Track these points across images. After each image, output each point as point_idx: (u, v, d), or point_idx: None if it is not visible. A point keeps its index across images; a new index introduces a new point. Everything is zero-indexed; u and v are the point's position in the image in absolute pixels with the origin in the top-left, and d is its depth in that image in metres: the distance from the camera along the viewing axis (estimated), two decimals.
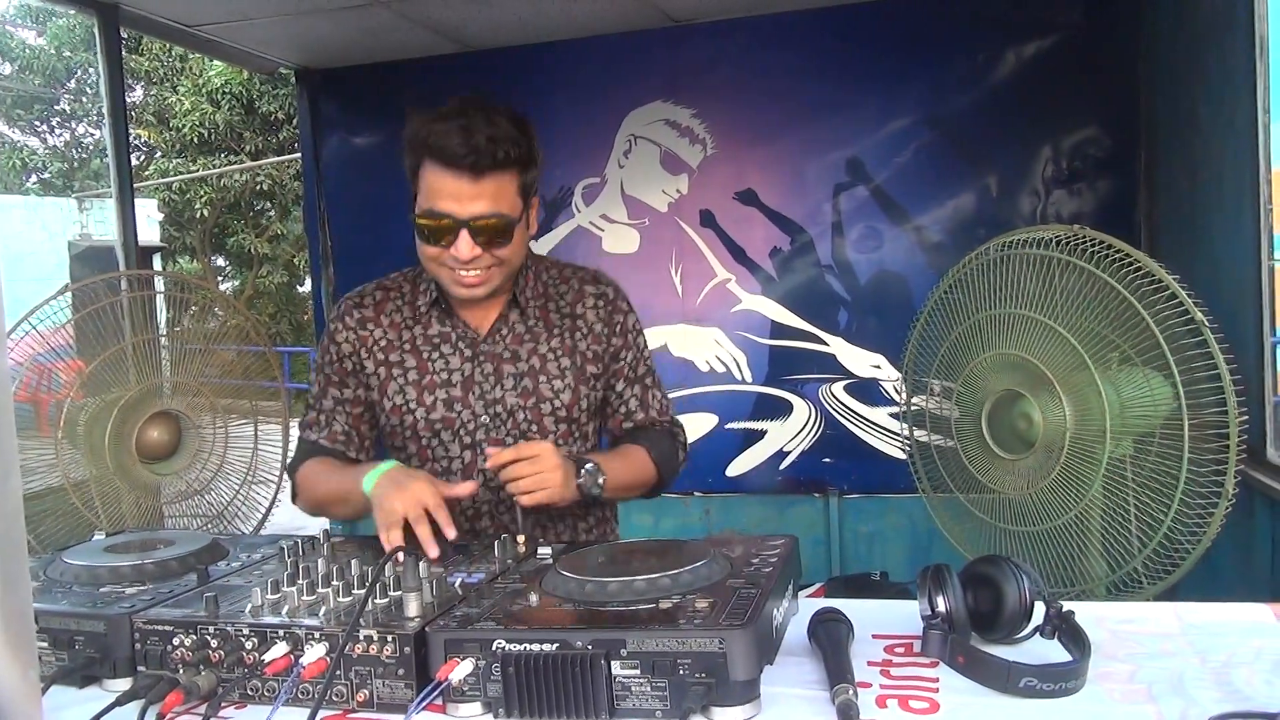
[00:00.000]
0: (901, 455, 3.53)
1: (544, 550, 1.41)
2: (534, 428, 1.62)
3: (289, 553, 1.41)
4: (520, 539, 1.46)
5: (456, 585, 1.27)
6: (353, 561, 1.31)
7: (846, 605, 1.31)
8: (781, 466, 3.69)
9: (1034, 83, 3.41)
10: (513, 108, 1.52)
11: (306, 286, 17.42)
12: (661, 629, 1.06)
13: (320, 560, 1.37)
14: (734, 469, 3.72)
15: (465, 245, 1.48)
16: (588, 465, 1.52)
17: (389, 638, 1.11)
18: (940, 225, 3.51)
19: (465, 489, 1.46)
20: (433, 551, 1.34)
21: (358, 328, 1.65)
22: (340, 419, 1.67)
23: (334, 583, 1.24)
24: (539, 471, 1.45)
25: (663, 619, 1.09)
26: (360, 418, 1.67)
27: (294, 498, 1.70)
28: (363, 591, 1.24)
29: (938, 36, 3.46)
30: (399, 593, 1.20)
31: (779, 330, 3.67)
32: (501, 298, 1.63)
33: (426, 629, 1.12)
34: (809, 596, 1.41)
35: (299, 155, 5.01)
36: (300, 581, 1.24)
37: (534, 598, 1.17)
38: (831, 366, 3.62)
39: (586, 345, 1.65)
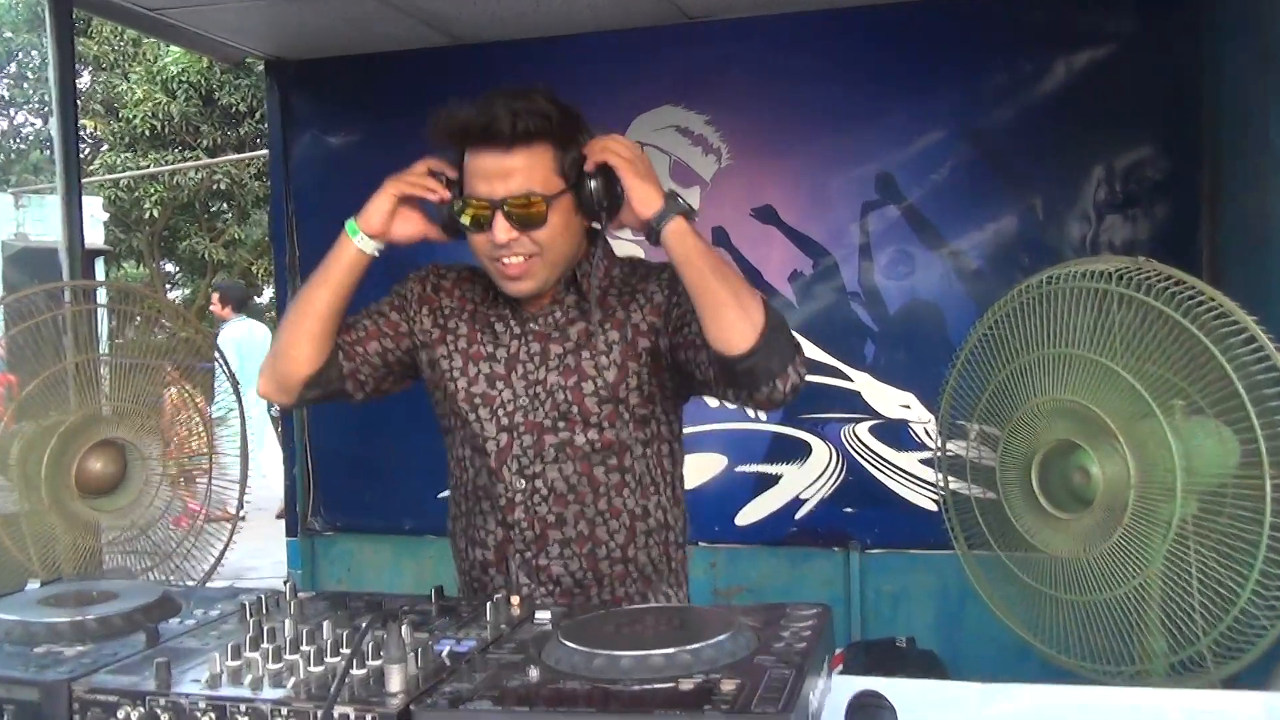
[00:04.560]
0: (932, 506, 3.51)
1: (542, 614, 1.38)
2: (574, 409, 1.65)
3: (251, 610, 1.37)
4: (515, 599, 1.42)
5: (444, 655, 1.23)
6: (325, 623, 1.27)
7: (886, 686, 1.28)
8: (797, 515, 3.66)
9: (1085, 96, 3.41)
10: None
11: (265, 297, 17.39)
12: (683, 714, 1.03)
13: (287, 621, 1.34)
14: (744, 517, 3.69)
15: (500, 228, 1.57)
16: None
17: (369, 716, 1.07)
18: (979, 250, 3.50)
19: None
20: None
21: (432, 291, 1.77)
22: (363, 324, 1.74)
23: (304, 648, 1.21)
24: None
25: (684, 702, 1.05)
26: (377, 335, 1.73)
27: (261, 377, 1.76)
28: (337, 660, 1.20)
29: (979, 42, 3.47)
30: (379, 663, 1.16)
31: None
32: (552, 289, 1.68)
33: (411, 707, 1.08)
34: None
35: (262, 153, 4.98)
36: (265, 646, 1.20)
37: (534, 672, 1.14)
38: (856, 405, 3.60)
39: (641, 317, 1.67)
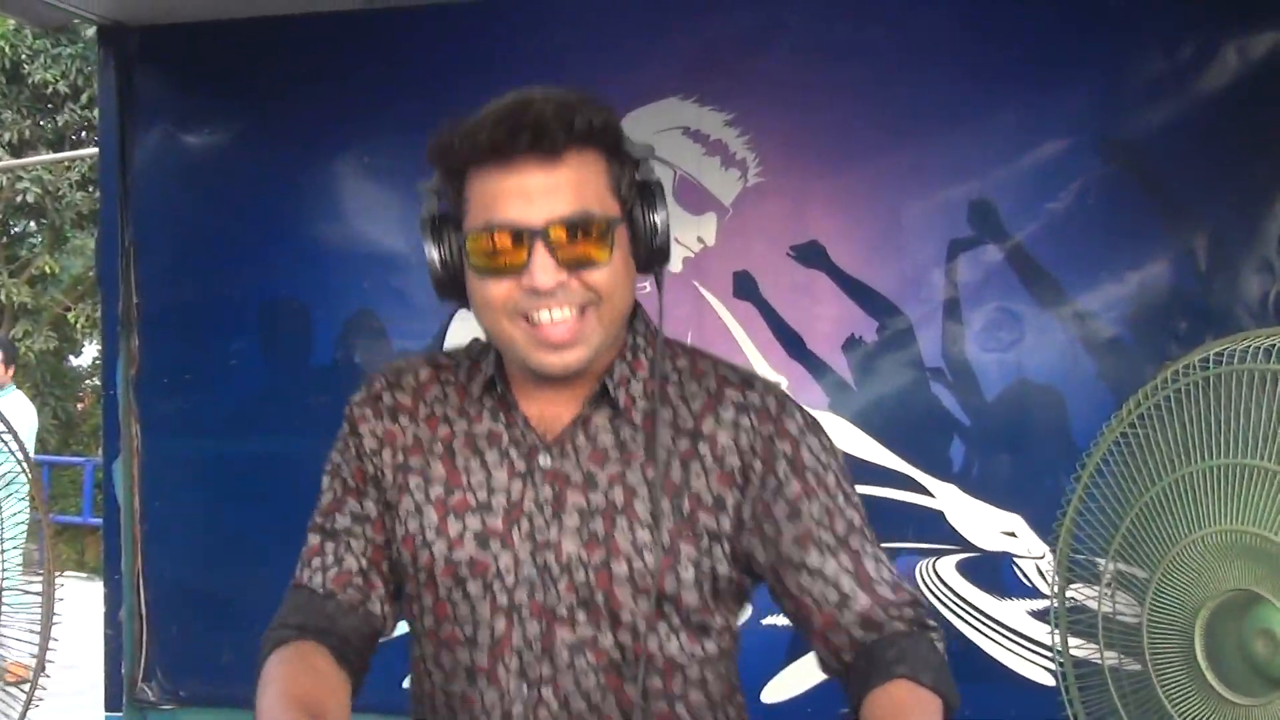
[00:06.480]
0: (1049, 679, 3.47)
1: None
2: (598, 597, 1.58)
3: None
4: None
5: None
6: None
7: None
8: None
9: (1266, 96, 3.44)
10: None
11: (85, 358, 17.38)
12: None
13: None
14: (774, 691, 3.65)
15: (544, 266, 1.49)
16: None
17: None
18: (1117, 311, 3.51)
19: None
20: None
21: (389, 417, 1.69)
22: (356, 547, 1.68)
23: None
24: None
25: None
26: (384, 551, 1.69)
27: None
28: None
29: (1117, 18, 3.51)
30: None
31: (854, 469, 3.52)
32: (592, 380, 1.63)
33: None
34: None
35: (89, 152, 5.01)
36: None
37: None
38: (938, 531, 3.59)
39: (706, 483, 1.62)
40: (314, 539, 1.70)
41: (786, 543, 1.61)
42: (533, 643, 1.59)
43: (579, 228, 1.50)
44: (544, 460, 1.61)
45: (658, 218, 1.58)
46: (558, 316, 1.51)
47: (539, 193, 1.49)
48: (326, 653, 1.60)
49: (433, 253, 1.57)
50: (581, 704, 1.59)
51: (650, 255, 1.60)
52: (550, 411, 1.64)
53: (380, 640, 1.70)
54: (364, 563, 1.67)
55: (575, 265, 1.50)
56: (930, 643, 1.61)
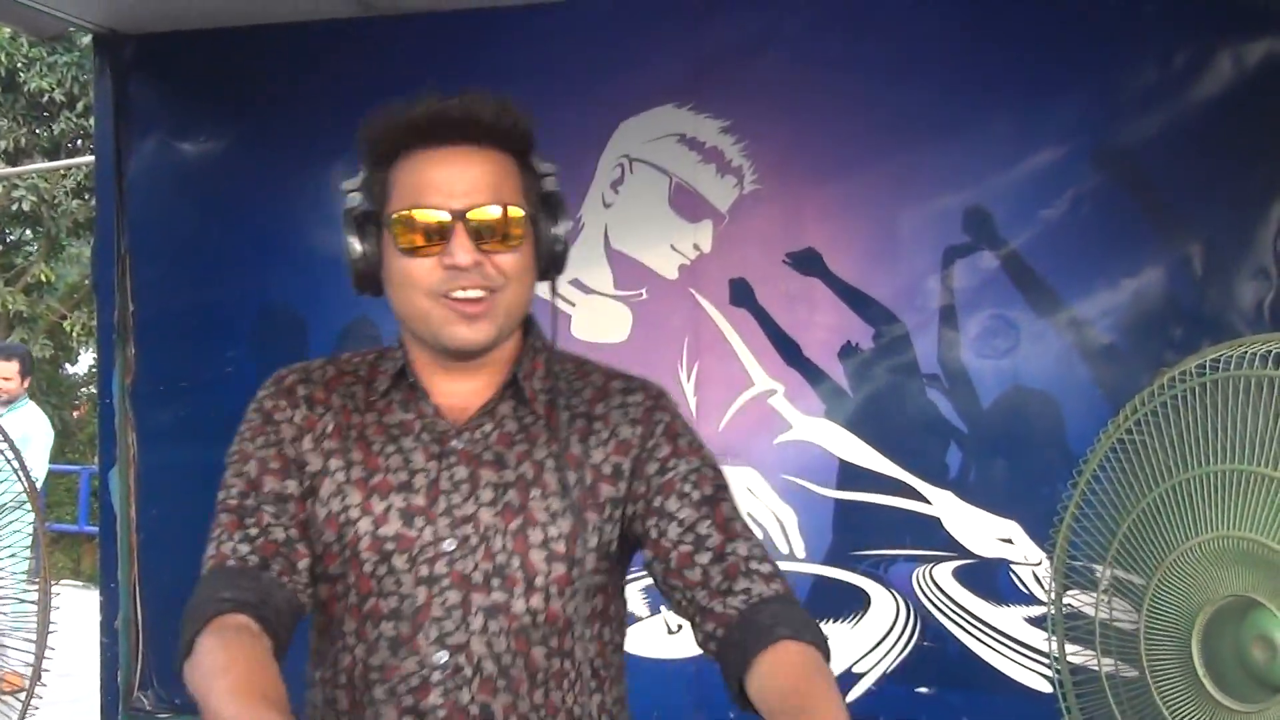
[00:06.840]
0: (1046, 687, 3.47)
1: None
2: (514, 563, 1.66)
3: None
4: None
5: None
6: None
7: None
8: (851, 696, 3.62)
9: (1260, 102, 3.45)
10: None
11: (81, 366, 17.35)
12: None
13: None
14: None
15: (463, 246, 1.62)
16: None
17: None
18: (1113, 318, 3.51)
19: None
20: None
21: (306, 406, 1.77)
22: (283, 519, 1.69)
23: None
24: None
25: None
26: (304, 530, 1.71)
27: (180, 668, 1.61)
28: None
29: (1111, 27, 3.52)
30: None
31: (851, 476, 3.64)
32: (492, 377, 1.75)
33: None
34: None
35: (85, 160, 5.00)
36: None
37: None
38: (934, 538, 3.59)
39: (604, 456, 1.73)
40: (228, 517, 1.68)
41: (651, 493, 1.71)
42: (451, 611, 1.65)
43: (494, 218, 1.64)
44: (455, 444, 1.72)
45: (558, 230, 1.72)
46: (472, 294, 1.64)
47: (461, 183, 1.63)
48: (261, 630, 1.59)
49: (355, 245, 1.69)
50: (493, 667, 1.66)
51: (549, 263, 1.73)
52: (458, 403, 1.75)
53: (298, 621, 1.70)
54: (291, 534, 1.69)
55: (489, 248, 1.63)
56: (797, 605, 1.66)
